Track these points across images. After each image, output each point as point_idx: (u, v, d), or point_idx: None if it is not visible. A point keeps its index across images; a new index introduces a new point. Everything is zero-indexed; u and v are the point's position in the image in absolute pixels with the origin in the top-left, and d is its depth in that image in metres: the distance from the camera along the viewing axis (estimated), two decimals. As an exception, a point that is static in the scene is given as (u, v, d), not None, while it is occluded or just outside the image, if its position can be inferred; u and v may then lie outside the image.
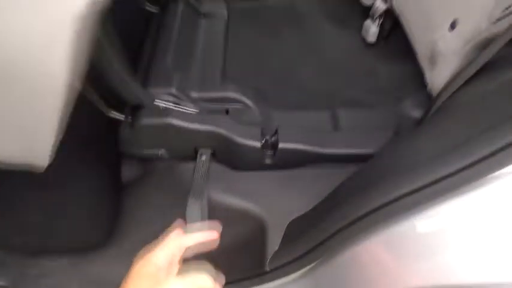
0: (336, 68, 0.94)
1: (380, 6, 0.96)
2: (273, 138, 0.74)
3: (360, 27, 1.01)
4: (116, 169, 0.83)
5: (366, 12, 1.00)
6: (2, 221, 0.81)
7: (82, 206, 0.83)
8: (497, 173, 0.37)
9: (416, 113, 0.76)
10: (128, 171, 0.83)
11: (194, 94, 0.80)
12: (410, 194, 0.39)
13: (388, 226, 0.42)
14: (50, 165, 0.59)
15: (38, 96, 0.52)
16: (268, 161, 0.75)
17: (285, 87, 0.89)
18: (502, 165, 0.35)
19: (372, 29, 0.97)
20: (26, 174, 0.61)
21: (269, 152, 0.75)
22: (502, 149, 0.34)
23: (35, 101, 0.53)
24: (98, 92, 0.70)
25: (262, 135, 0.75)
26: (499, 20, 0.51)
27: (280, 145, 0.73)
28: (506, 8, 0.51)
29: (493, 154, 0.35)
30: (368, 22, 0.99)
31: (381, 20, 0.96)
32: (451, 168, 0.38)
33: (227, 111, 0.79)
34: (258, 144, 0.73)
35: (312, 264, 0.57)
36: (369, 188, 0.45)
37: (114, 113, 0.75)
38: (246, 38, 0.99)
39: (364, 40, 1.00)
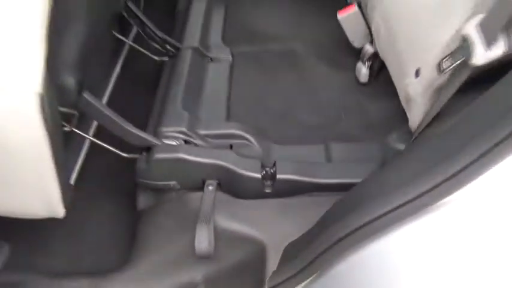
0: (330, 106, 1.04)
1: (368, 49, 1.07)
2: (271, 170, 0.84)
3: (353, 68, 1.12)
4: (131, 199, 0.92)
5: (358, 54, 1.11)
6: (27, 246, 0.91)
7: (101, 232, 0.92)
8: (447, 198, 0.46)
9: (401, 146, 0.85)
10: (142, 201, 0.92)
11: (202, 131, 0.90)
12: (371, 221, 0.48)
13: (356, 250, 0.51)
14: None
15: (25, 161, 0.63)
16: (267, 190, 0.84)
17: (284, 124, 0.99)
18: (444, 195, 0.44)
19: (362, 71, 1.08)
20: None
21: (268, 182, 0.84)
22: (446, 179, 0.43)
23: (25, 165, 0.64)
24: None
25: (262, 167, 0.84)
26: (445, 70, 0.61)
27: (278, 176, 0.82)
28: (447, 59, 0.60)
29: (436, 186, 0.43)
30: (359, 64, 1.10)
31: (370, 62, 1.07)
32: (410, 196, 0.46)
33: (231, 146, 0.89)
34: (258, 175, 0.83)
35: (307, 281, 0.65)
36: (346, 214, 0.54)
37: (131, 154, 0.86)
38: (248, 80, 1.10)
39: (357, 79, 1.11)
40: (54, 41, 0.59)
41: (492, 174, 0.42)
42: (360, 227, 0.50)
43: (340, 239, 0.55)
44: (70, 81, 0.71)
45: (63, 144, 0.68)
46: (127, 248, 0.88)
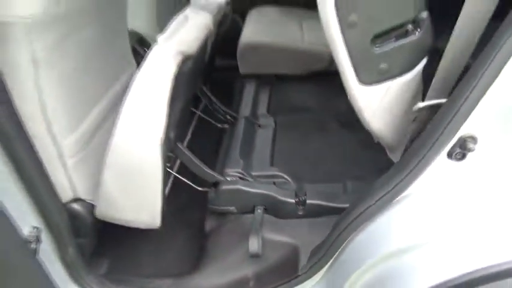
0: (348, 156, 1.38)
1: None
2: (303, 197, 1.17)
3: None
4: (201, 220, 1.27)
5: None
6: (122, 259, 1.26)
7: (179, 245, 1.27)
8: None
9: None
10: (209, 223, 1.26)
11: (253, 173, 1.26)
12: (369, 207, 0.81)
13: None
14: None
15: (145, 181, 1.02)
16: (300, 212, 1.17)
17: (313, 169, 1.34)
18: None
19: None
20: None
21: (301, 207, 1.17)
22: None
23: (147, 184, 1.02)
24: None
25: (296, 196, 1.18)
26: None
27: (308, 201, 1.15)
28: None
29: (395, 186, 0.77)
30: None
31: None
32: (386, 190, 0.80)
33: (274, 183, 1.24)
34: (293, 201, 1.16)
35: (328, 264, 0.95)
36: (349, 212, 0.87)
37: (204, 188, 1.24)
38: (286, 139, 1.48)
39: (370, 137, 1.45)
40: (170, 108, 1.00)
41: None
42: (361, 213, 0.83)
43: (347, 226, 0.87)
44: (172, 134, 1.12)
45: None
46: (197, 258, 1.21)
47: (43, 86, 0.90)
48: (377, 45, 0.85)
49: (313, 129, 1.53)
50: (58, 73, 0.94)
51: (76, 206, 1.09)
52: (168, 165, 1.16)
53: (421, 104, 0.86)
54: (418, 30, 0.85)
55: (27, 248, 0.86)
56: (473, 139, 0.70)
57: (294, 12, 2.07)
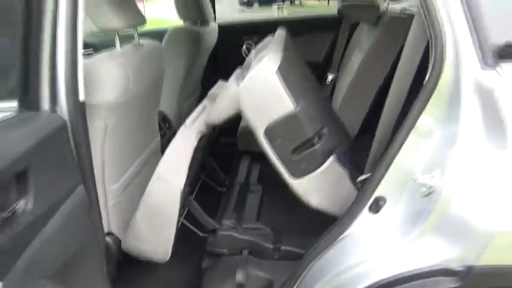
0: (321, 215, 1.77)
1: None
2: (278, 245, 1.54)
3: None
4: (199, 260, 1.62)
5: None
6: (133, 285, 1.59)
7: (181, 278, 1.60)
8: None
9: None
10: (206, 262, 1.61)
11: (244, 225, 1.64)
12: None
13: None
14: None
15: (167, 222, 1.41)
16: (276, 256, 1.53)
17: (290, 224, 1.72)
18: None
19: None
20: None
21: (277, 252, 1.54)
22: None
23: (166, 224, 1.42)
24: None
25: (274, 243, 1.55)
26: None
27: (282, 248, 1.52)
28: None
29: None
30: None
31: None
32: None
33: (257, 233, 1.62)
34: (271, 247, 1.53)
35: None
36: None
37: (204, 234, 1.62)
38: (271, 201, 1.88)
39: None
40: (189, 170, 1.42)
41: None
42: (316, 247, 1.21)
43: (307, 257, 1.24)
44: (186, 189, 1.52)
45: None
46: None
47: (106, 146, 1.34)
48: (295, 154, 1.35)
49: (293, 195, 1.93)
50: (115, 138, 1.38)
51: (108, 238, 1.45)
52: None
53: (359, 178, 1.29)
54: (320, 141, 1.35)
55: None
56: (383, 198, 1.11)
57: None
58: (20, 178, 0.81)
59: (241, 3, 13.21)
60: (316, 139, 1.35)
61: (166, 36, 2.23)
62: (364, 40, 2.14)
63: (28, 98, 0.95)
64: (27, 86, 0.95)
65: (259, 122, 1.32)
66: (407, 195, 1.10)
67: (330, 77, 2.60)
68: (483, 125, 0.94)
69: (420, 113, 1.00)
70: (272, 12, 8.02)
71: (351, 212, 1.17)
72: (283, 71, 1.28)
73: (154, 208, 1.39)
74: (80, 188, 0.99)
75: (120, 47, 1.41)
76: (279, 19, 3.94)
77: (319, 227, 1.67)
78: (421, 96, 1.00)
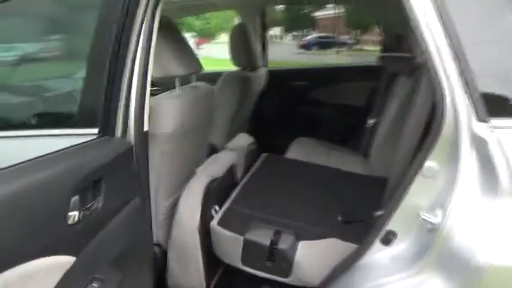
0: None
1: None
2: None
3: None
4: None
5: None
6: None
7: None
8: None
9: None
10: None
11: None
12: None
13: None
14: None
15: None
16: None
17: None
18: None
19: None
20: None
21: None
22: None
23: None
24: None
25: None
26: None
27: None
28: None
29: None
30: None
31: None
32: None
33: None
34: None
35: None
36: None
37: None
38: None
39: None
40: (203, 205, 1.64)
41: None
42: (341, 272, 1.36)
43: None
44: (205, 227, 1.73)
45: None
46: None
47: (161, 168, 1.60)
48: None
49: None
50: (169, 163, 1.64)
51: (155, 248, 1.69)
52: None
53: (377, 213, 1.43)
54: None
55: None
56: (393, 232, 1.25)
57: (328, 146, 2.74)
58: (96, 184, 1.07)
59: (300, 46, 13.71)
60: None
61: (221, 79, 2.54)
62: (400, 90, 2.29)
63: (107, 126, 1.24)
64: (107, 118, 1.24)
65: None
66: (416, 231, 1.23)
67: (371, 121, 2.75)
68: (478, 170, 1.07)
69: (426, 158, 1.15)
70: (327, 57, 8.31)
71: (365, 243, 1.31)
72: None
73: (180, 249, 1.60)
74: (137, 198, 1.24)
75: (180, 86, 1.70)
76: (325, 66, 4.17)
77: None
78: (427, 143, 1.15)
